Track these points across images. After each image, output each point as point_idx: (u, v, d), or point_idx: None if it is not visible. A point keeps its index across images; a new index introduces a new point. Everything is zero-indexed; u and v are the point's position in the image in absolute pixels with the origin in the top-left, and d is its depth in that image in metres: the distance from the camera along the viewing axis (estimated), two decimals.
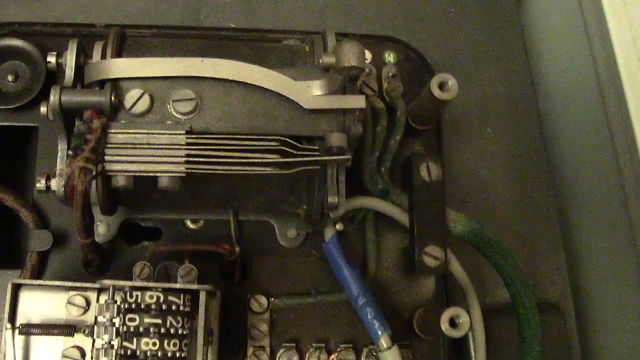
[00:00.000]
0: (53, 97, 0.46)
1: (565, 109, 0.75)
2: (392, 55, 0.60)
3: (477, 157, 0.65)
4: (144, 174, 0.46)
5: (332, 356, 0.54)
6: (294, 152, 0.47)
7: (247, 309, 0.54)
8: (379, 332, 0.51)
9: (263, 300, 0.54)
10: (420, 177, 0.54)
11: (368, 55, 0.60)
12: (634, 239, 0.61)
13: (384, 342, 0.50)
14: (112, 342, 0.45)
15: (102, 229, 0.54)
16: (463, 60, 0.67)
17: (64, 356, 0.46)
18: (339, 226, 0.53)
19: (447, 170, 0.63)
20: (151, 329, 0.44)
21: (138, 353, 0.44)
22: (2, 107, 0.56)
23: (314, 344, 0.54)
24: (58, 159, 0.48)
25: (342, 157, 0.47)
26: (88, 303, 0.47)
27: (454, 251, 0.58)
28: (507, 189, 0.65)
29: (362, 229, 0.56)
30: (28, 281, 0.49)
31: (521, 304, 0.57)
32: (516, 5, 0.81)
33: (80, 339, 0.47)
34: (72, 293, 0.47)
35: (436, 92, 0.52)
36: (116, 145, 0.46)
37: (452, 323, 0.50)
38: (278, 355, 0.53)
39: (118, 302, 0.45)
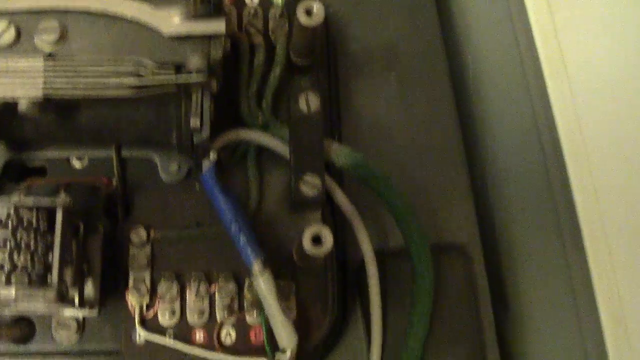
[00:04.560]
0: None
1: (490, 76, 0.75)
2: None
3: (380, 102, 0.65)
4: (3, 100, 0.48)
5: (213, 285, 0.54)
6: (150, 75, 0.48)
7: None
8: (252, 258, 0.51)
9: (142, 232, 0.54)
10: (298, 108, 0.54)
11: None
12: (551, 187, 0.61)
13: (256, 267, 0.50)
14: None
15: None
16: (368, 6, 0.67)
17: None
18: (212, 155, 0.53)
19: (346, 115, 0.64)
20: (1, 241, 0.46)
21: None
22: None
23: (194, 274, 0.54)
24: None
25: (195, 76, 0.48)
26: None
27: (351, 195, 0.58)
28: (412, 133, 0.64)
29: (245, 164, 0.56)
30: None
31: (411, 239, 0.57)
32: None
33: None
34: None
35: (302, 18, 0.52)
36: None
37: (316, 240, 0.50)
38: (158, 286, 0.53)
39: None
